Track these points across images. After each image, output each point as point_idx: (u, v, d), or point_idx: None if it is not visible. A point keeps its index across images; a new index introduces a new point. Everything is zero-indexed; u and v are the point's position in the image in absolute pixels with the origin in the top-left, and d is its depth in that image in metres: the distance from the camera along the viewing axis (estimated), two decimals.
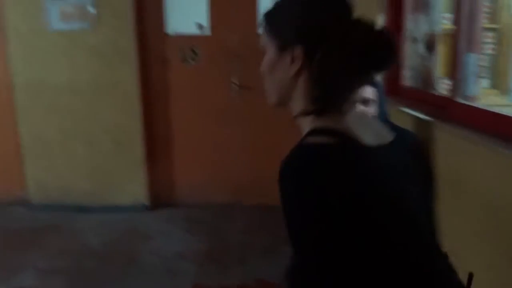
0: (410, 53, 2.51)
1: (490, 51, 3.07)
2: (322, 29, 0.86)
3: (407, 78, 2.56)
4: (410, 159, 0.96)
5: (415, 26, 2.43)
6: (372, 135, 0.90)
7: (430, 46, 2.29)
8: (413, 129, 2.09)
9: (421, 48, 2.37)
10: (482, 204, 1.45)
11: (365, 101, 1.78)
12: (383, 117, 1.77)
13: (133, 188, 4.02)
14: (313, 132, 0.86)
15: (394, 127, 1.08)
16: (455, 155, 1.63)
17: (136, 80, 3.81)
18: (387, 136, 0.94)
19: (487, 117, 1.56)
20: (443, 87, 2.38)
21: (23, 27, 3.72)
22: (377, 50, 0.84)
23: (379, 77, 1.82)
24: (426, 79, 2.35)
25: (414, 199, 0.91)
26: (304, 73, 0.90)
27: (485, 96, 2.21)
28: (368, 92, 1.78)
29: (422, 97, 2.28)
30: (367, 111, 1.78)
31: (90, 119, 3.89)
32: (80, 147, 3.94)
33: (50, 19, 3.69)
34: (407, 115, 2.16)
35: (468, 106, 1.71)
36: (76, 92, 3.83)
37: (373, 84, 1.79)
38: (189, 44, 3.90)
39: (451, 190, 1.65)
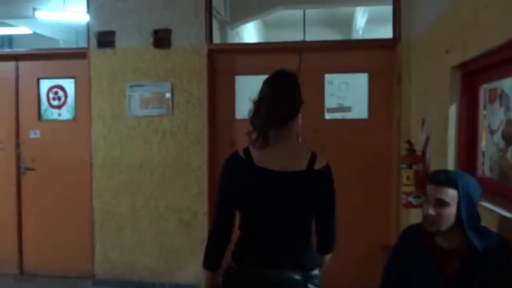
0: (487, 144, 2.44)
1: None
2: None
3: (485, 169, 2.47)
4: (303, 188, 1.70)
5: (491, 117, 2.38)
6: (277, 163, 1.68)
7: (508, 137, 2.22)
8: (494, 228, 1.98)
9: (499, 139, 2.30)
10: None
11: (439, 202, 1.70)
12: (469, 221, 1.68)
13: (195, 268, 4.01)
14: (243, 149, 1.75)
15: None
16: None
17: (205, 161, 3.96)
18: (295, 168, 1.68)
19: None
20: None
21: (107, 112, 4.07)
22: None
23: (465, 180, 1.72)
24: (506, 171, 2.24)
25: (275, 203, 1.73)
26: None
27: None
28: (444, 193, 1.70)
29: (503, 191, 2.17)
30: (441, 212, 1.70)
31: (159, 198, 4.04)
32: (148, 225, 4.06)
33: (131, 105, 4.02)
34: (487, 211, 2.05)
35: None
36: (148, 172, 4.04)
37: (453, 185, 1.69)
38: None
39: None
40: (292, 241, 1.74)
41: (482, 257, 1.64)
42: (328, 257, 1.90)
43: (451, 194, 1.69)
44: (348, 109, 4.00)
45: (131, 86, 4.02)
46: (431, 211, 1.72)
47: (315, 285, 1.73)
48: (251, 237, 1.84)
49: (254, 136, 1.72)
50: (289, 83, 1.77)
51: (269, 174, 1.67)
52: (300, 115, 1.77)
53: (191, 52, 3.96)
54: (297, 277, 1.69)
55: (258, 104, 1.77)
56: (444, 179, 1.72)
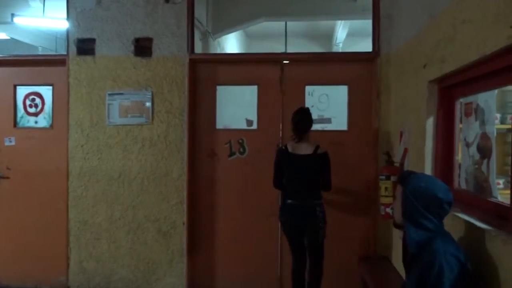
0: (463, 156, 2.49)
1: None
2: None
3: (461, 181, 2.52)
4: (312, 162, 3.35)
5: (467, 130, 2.44)
6: (300, 151, 3.37)
7: (484, 150, 2.27)
8: (465, 234, 2.02)
9: (474, 151, 2.35)
10: None
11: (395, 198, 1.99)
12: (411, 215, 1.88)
13: (173, 279, 3.97)
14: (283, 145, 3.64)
15: None
16: None
17: (185, 171, 3.93)
18: (308, 153, 3.35)
19: None
20: (499, 191, 2.32)
21: (85, 120, 4.01)
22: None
23: (412, 179, 1.91)
24: (481, 183, 2.29)
25: (299, 171, 3.37)
26: None
27: None
28: (397, 189, 1.97)
29: (477, 202, 2.21)
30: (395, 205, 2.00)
31: (137, 208, 3.98)
32: (126, 235, 4.00)
33: (110, 113, 3.97)
34: (461, 220, 2.09)
35: None
36: (127, 182, 3.99)
37: (401, 182, 1.94)
38: (236, 138, 4.05)
39: None
40: (308, 189, 3.38)
41: (420, 252, 1.81)
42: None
43: (399, 190, 1.95)
44: (328, 120, 4.04)
45: (110, 95, 3.98)
46: (393, 205, 2.06)
47: (319, 210, 3.37)
48: (289, 188, 3.44)
49: (292, 138, 3.46)
50: (305, 113, 3.47)
51: (296, 156, 3.38)
52: (311, 129, 3.48)
53: (173, 62, 3.95)
54: (309, 203, 3.36)
55: (293, 124, 3.44)
56: (398, 177, 2.02)
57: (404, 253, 2.08)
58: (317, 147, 3.32)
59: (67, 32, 4.07)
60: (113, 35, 4.00)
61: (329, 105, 4.04)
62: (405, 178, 1.92)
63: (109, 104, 3.98)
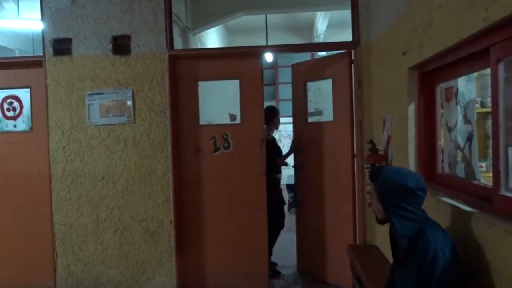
0: (445, 141, 2.51)
1: None
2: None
3: (444, 166, 2.53)
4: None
5: (449, 114, 2.45)
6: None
7: (466, 134, 2.29)
8: (451, 218, 2.03)
9: (456, 136, 2.37)
10: None
11: (371, 195, 1.97)
12: (390, 210, 1.86)
13: (163, 278, 3.94)
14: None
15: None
16: (504, 251, 1.55)
17: (169, 169, 3.89)
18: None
19: None
20: (481, 173, 2.34)
21: (65, 122, 3.93)
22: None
23: (381, 175, 1.92)
24: (464, 166, 2.31)
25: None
26: None
27: None
28: (370, 187, 1.98)
29: (461, 185, 2.23)
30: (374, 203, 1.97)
31: (123, 208, 3.93)
32: (112, 236, 3.95)
33: (91, 114, 3.91)
34: (445, 204, 2.10)
35: None
36: (111, 182, 3.93)
37: (372, 180, 1.94)
38: (220, 133, 4.02)
39: (504, 285, 1.55)
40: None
41: (413, 246, 1.79)
42: None
43: (372, 188, 1.98)
44: (320, 112, 4.13)
45: (90, 95, 3.91)
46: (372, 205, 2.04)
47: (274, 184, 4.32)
48: None
49: None
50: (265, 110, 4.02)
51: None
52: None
53: (152, 59, 3.89)
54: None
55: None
56: (370, 175, 2.00)
57: (392, 245, 2.07)
58: (267, 135, 4.29)
59: (43, 32, 3.98)
60: (90, 34, 3.92)
61: (321, 98, 4.17)
62: (375, 175, 1.95)
63: (89, 105, 3.91)
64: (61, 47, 3.94)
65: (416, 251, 1.75)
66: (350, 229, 3.94)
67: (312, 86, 4.31)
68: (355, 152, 3.89)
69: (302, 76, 4.43)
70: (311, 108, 4.34)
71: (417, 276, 1.72)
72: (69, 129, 3.94)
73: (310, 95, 4.33)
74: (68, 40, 3.93)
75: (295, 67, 4.60)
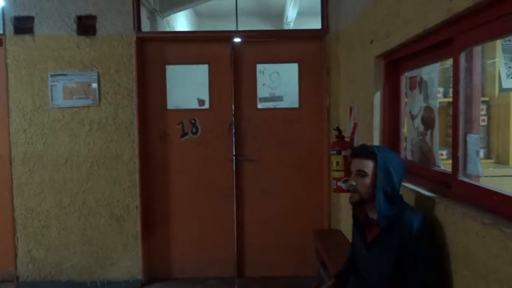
0: (409, 129, 2.58)
1: (482, 123, 3.17)
2: None
3: (407, 153, 2.61)
4: None
5: (412, 103, 2.52)
6: None
7: (427, 121, 2.36)
8: (414, 203, 2.11)
9: (419, 123, 2.44)
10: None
11: (360, 173, 1.91)
12: (383, 189, 1.83)
13: (128, 263, 3.90)
14: None
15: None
16: (459, 232, 1.62)
17: (136, 154, 3.83)
18: None
19: (491, 197, 1.58)
20: (442, 161, 2.42)
21: (27, 104, 3.80)
22: None
23: (382, 153, 1.89)
24: (425, 154, 2.39)
25: None
26: None
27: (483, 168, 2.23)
28: (364, 164, 1.90)
29: (422, 172, 2.31)
30: (362, 182, 1.89)
31: (88, 193, 3.86)
32: (76, 221, 3.87)
33: (54, 95, 3.79)
34: (408, 190, 2.18)
35: (472, 185, 1.73)
36: (75, 166, 3.84)
37: (371, 157, 1.88)
38: (189, 118, 3.99)
39: (458, 266, 1.62)
40: None
41: (392, 225, 1.82)
42: None
43: (369, 165, 1.89)
44: (279, 98, 4.05)
45: (53, 76, 3.78)
46: (353, 182, 1.93)
47: None
48: None
49: None
50: None
51: None
52: None
53: (119, 40, 3.80)
54: None
55: None
56: (364, 152, 1.92)
57: (358, 226, 2.07)
58: None
59: (3, 9, 3.80)
60: (53, 13, 3.78)
61: (281, 83, 4.04)
62: (373, 152, 1.88)
63: (52, 86, 3.79)
64: (23, 25, 3.78)
65: (396, 229, 1.79)
66: (319, 216, 4.01)
67: (266, 69, 4.05)
68: (323, 139, 3.94)
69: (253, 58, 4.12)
70: (263, 93, 4.05)
71: (398, 253, 1.77)
72: (31, 111, 3.81)
73: (264, 78, 4.05)
74: (30, 19, 3.78)
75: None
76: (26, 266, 3.91)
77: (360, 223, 2.04)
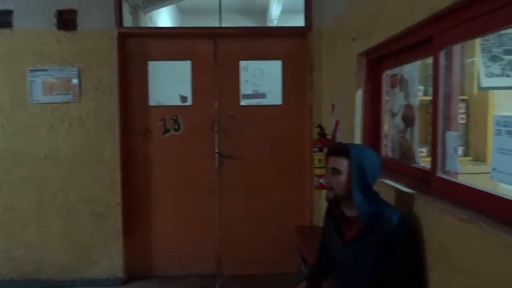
0: (389, 126, 2.61)
1: (461, 121, 3.23)
2: None
3: (388, 150, 2.64)
4: None
5: (393, 101, 2.55)
6: None
7: (408, 119, 2.39)
8: (394, 199, 2.13)
9: (399, 121, 2.47)
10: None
11: (334, 171, 1.90)
12: (359, 187, 1.84)
13: (109, 261, 3.87)
14: None
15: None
16: (437, 228, 1.65)
17: (117, 150, 3.79)
18: None
19: (469, 193, 1.61)
20: (422, 158, 2.46)
21: (5, 99, 3.73)
22: None
23: (356, 151, 1.89)
24: (406, 151, 2.42)
25: None
26: None
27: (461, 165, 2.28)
28: (338, 162, 1.89)
29: (402, 169, 2.34)
30: (337, 179, 1.89)
31: (68, 190, 3.81)
32: (56, 219, 3.82)
33: (33, 91, 3.72)
34: (388, 187, 2.20)
35: (450, 181, 1.76)
36: (55, 163, 3.79)
37: (345, 155, 1.87)
38: (171, 114, 3.96)
39: (435, 260, 1.65)
40: None
41: (371, 223, 1.82)
42: None
43: (343, 163, 1.88)
44: (263, 95, 4.05)
45: (32, 71, 3.71)
46: (328, 180, 1.94)
47: None
48: None
49: None
50: None
51: None
52: None
53: (100, 35, 3.75)
54: None
55: None
56: (338, 150, 1.92)
57: (334, 224, 2.06)
58: None
59: None
60: (32, 7, 3.71)
61: (264, 80, 4.04)
62: (347, 150, 1.88)
63: (31, 81, 3.72)
64: (1, 19, 3.71)
65: (376, 225, 1.79)
66: (301, 213, 4.03)
67: (250, 66, 4.03)
68: (306, 136, 3.96)
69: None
70: (246, 90, 4.05)
71: (378, 249, 1.77)
72: (9, 106, 3.74)
73: (247, 75, 4.03)
74: (9, 12, 3.70)
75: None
76: (4, 264, 3.84)
77: (336, 219, 2.04)
